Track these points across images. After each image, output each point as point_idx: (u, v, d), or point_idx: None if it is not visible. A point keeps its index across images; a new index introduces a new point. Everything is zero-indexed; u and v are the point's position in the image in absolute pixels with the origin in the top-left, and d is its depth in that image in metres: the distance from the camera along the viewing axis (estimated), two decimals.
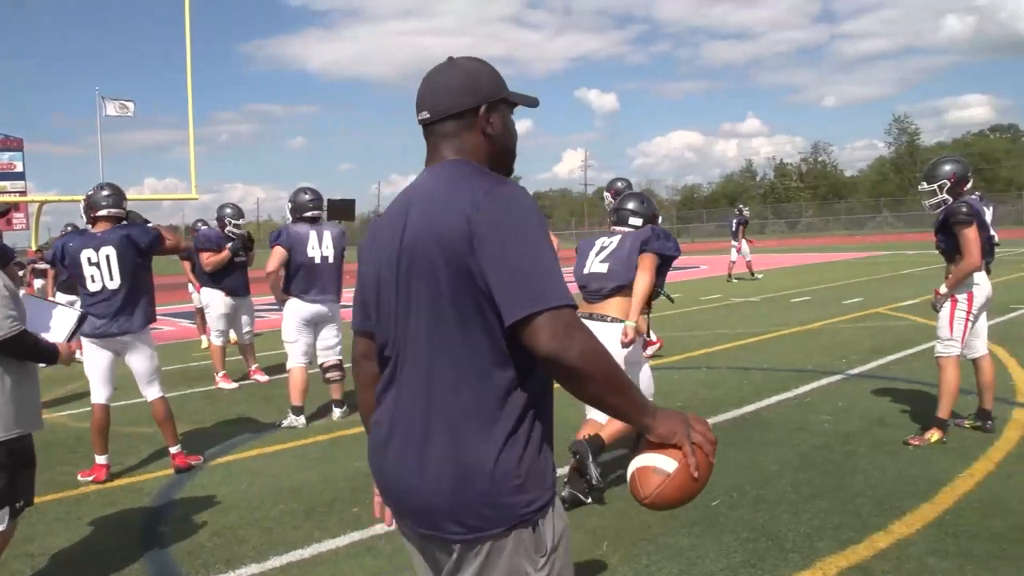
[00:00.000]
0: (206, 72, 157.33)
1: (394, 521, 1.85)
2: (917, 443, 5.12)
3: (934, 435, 5.15)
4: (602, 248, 4.80)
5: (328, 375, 6.65)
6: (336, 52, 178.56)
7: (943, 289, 5.25)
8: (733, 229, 19.55)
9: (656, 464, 1.65)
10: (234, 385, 8.23)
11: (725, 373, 7.73)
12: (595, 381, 1.56)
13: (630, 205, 4.96)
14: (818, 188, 75.74)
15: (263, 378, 8.48)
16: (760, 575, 3.44)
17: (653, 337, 9.45)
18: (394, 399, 1.76)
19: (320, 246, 6.48)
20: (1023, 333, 9.27)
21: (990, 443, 5.06)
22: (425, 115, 1.84)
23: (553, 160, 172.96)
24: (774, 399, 6.43)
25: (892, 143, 74.79)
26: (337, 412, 6.64)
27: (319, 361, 6.70)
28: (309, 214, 6.60)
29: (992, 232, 5.32)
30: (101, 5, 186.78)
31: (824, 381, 7.13)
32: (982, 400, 5.36)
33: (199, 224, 10.83)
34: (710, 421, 5.79)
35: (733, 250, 19.47)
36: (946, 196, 5.25)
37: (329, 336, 6.65)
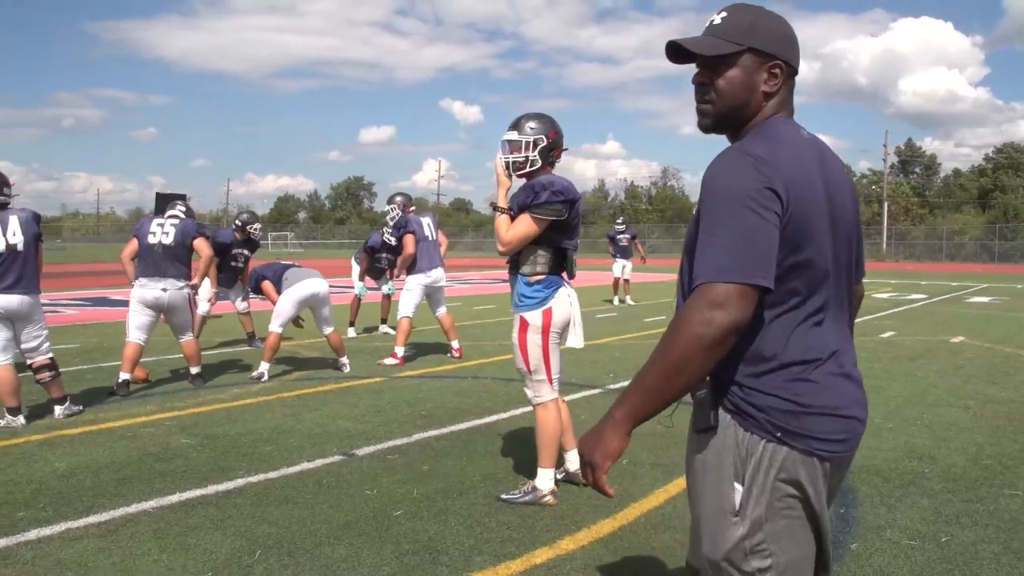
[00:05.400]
0: (45, 48, 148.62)
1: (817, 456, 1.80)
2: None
3: None
4: None
5: (39, 377, 6.13)
6: (195, 42, 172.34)
7: None
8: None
9: None
10: None
11: (489, 383, 7.68)
12: None
13: None
14: (665, 211, 78.56)
15: None
16: None
17: (456, 345, 9.40)
18: (834, 331, 1.86)
19: (6, 234, 5.88)
20: None
21: None
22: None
23: (414, 168, 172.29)
24: (519, 411, 6.39)
25: None
26: (58, 410, 6.16)
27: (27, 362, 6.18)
28: None
29: None
30: None
31: (580, 394, 7.19)
32: None
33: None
34: (445, 430, 5.87)
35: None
36: None
37: (30, 336, 6.08)
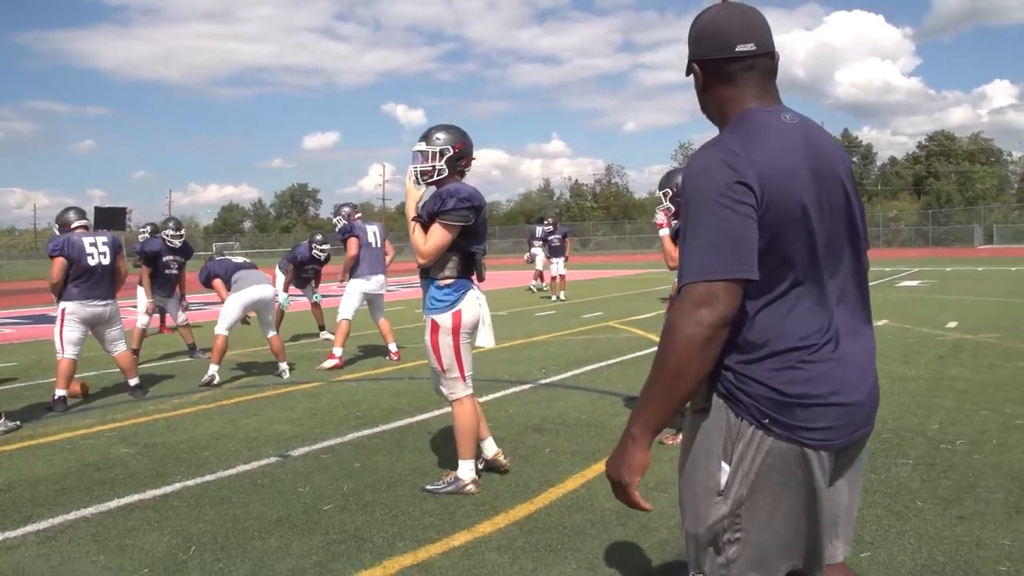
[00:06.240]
0: None
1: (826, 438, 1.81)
2: (671, 442, 5.19)
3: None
4: None
5: None
6: (132, 52, 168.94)
7: None
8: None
9: None
10: None
11: (424, 383, 7.85)
12: None
13: None
14: (610, 208, 79.52)
15: None
16: (324, 574, 3.55)
17: (393, 348, 9.63)
18: (830, 314, 1.83)
19: None
20: None
21: None
22: (751, 47, 1.89)
23: (359, 174, 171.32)
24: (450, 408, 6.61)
25: (681, 168, 79.56)
26: None
27: None
28: None
29: None
30: None
31: (512, 390, 7.46)
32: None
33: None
34: (378, 429, 6.09)
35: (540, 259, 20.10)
36: (669, 204, 5.58)
37: None
